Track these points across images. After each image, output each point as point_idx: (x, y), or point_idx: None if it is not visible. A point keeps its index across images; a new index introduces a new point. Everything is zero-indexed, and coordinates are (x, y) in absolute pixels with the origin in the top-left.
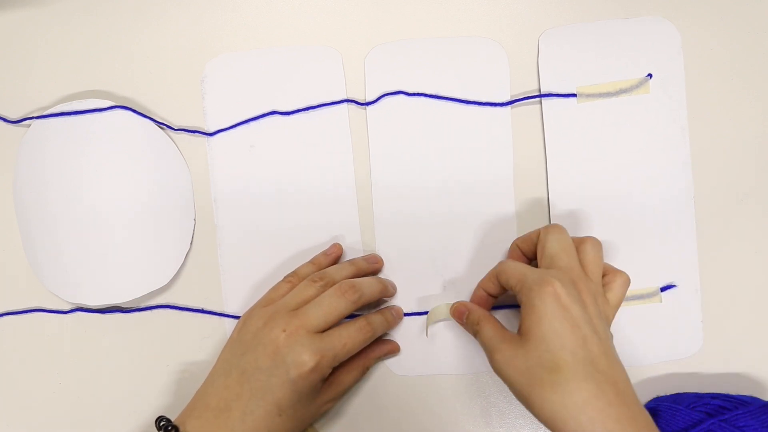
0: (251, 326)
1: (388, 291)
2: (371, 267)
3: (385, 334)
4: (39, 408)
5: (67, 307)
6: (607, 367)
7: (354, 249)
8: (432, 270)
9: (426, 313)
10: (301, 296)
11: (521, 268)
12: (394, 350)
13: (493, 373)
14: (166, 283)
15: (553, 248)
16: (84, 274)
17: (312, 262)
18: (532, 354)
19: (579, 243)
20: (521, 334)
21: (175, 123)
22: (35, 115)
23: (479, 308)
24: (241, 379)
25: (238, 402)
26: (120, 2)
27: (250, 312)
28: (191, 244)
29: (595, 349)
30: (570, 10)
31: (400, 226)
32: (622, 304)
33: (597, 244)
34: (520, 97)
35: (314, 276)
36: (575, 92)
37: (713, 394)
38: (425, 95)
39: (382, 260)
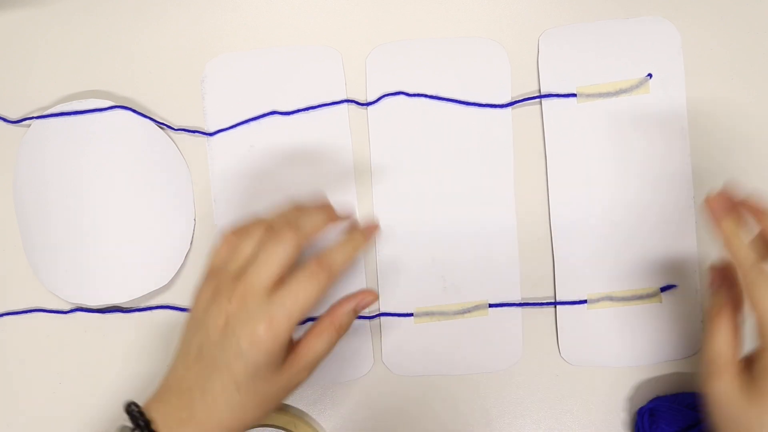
0: (201, 301)
1: (333, 215)
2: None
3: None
4: (39, 408)
5: (67, 307)
6: None
7: None
8: (432, 271)
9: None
10: (240, 257)
11: None
12: (367, 299)
13: (493, 373)
14: (166, 283)
15: None
16: (84, 274)
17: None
18: (764, 417)
19: None
20: (755, 384)
21: (175, 123)
22: (35, 115)
23: (729, 292)
24: (198, 356)
25: (197, 381)
26: (120, 2)
27: (199, 286)
28: (191, 244)
29: None
30: (570, 10)
31: (401, 226)
32: (622, 303)
33: None
34: (521, 98)
35: (248, 227)
36: (575, 92)
37: None
38: (426, 96)
39: (332, 206)
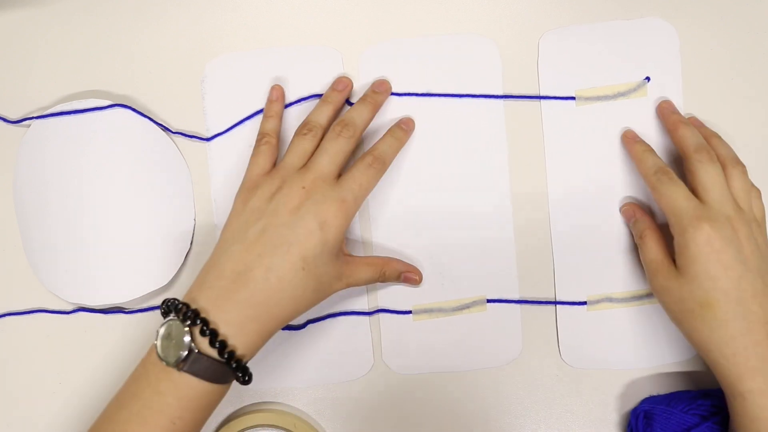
0: (263, 194)
1: (376, 104)
2: (342, 95)
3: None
4: (39, 408)
5: (69, 308)
6: (759, 307)
7: (352, 246)
8: (430, 266)
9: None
10: (300, 152)
11: (676, 201)
12: (413, 276)
13: (493, 372)
14: (166, 283)
15: (705, 181)
16: (84, 274)
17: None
18: (686, 288)
19: (724, 171)
20: (677, 266)
21: (175, 123)
22: (35, 115)
23: (647, 218)
24: (262, 238)
25: (260, 260)
26: (120, 2)
27: (252, 182)
28: (191, 244)
29: (749, 288)
30: (570, 10)
31: (398, 223)
32: (622, 305)
33: (742, 171)
34: (519, 97)
35: (300, 129)
36: (574, 95)
37: (705, 390)
38: (416, 94)
39: (347, 82)
